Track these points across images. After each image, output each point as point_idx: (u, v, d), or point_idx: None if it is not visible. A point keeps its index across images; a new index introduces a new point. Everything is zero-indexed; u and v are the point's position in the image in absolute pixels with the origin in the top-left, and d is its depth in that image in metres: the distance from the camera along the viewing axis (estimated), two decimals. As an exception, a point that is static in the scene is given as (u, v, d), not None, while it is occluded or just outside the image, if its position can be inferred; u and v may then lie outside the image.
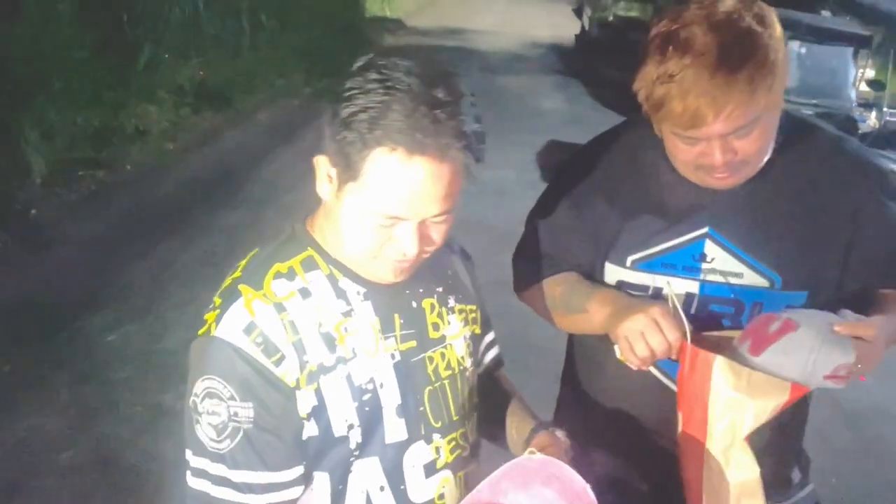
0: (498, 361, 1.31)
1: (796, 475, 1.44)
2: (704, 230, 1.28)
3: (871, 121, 5.76)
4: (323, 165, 1.00)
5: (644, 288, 1.31)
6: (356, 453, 1.04)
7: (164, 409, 2.93)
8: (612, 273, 1.34)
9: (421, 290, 1.12)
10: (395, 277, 1.04)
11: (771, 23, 1.15)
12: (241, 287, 1.01)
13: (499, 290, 4.49)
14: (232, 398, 0.96)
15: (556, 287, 1.37)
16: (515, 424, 1.23)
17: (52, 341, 3.34)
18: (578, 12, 12.28)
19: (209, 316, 1.01)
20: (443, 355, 1.13)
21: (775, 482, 1.39)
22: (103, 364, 3.22)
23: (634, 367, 1.19)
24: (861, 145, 1.36)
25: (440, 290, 1.15)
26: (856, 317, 1.15)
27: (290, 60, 8.56)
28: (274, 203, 4.86)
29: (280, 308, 0.99)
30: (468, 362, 1.17)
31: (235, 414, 0.97)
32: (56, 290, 3.78)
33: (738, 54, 1.10)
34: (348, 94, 0.94)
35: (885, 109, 5.78)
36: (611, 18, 10.64)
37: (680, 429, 1.18)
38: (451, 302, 1.17)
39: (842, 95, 5.54)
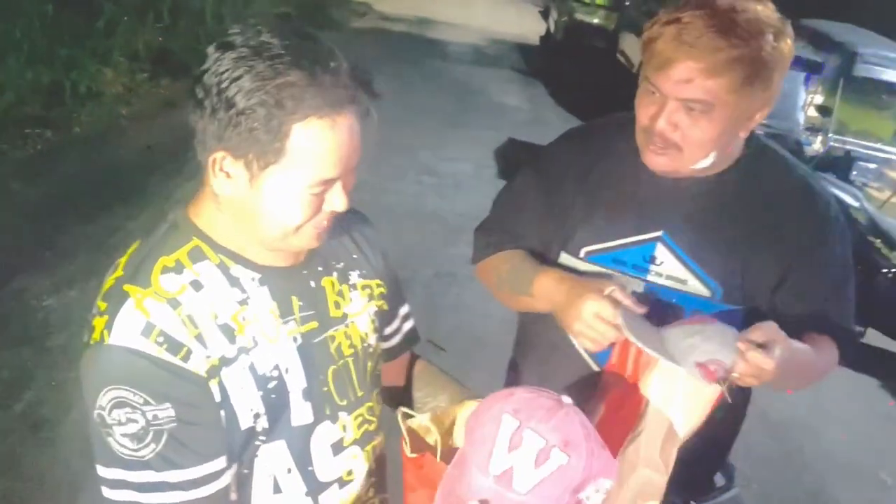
0: (413, 336, 1.33)
1: (720, 479, 1.51)
2: (659, 233, 1.32)
3: (817, 145, 5.95)
4: (221, 163, 0.94)
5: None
6: (262, 438, 1.03)
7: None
8: (566, 262, 1.37)
9: (320, 269, 1.10)
10: (317, 243, 1.02)
11: (785, 49, 1.18)
12: (126, 287, 0.95)
13: (448, 283, 4.56)
14: (146, 403, 0.92)
15: (504, 264, 1.41)
16: (429, 384, 1.27)
17: (-11, 302, 3.25)
18: (545, 14, 12.35)
19: (97, 322, 0.95)
20: (346, 334, 1.12)
21: (700, 484, 1.46)
22: (39, 328, 3.14)
23: (592, 350, 1.25)
24: (813, 175, 1.40)
25: (341, 266, 1.14)
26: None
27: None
28: (227, 178, 4.78)
29: (174, 303, 0.95)
30: (372, 339, 1.17)
31: (155, 417, 0.93)
32: (-5, 250, 3.67)
33: (741, 34, 1.14)
34: (227, 80, 0.89)
35: (830, 135, 5.99)
36: (576, 18, 10.73)
37: (598, 419, 1.21)
38: (354, 278, 1.15)
39: (791, 118, 5.71)
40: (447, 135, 6.60)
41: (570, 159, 1.40)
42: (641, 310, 1.16)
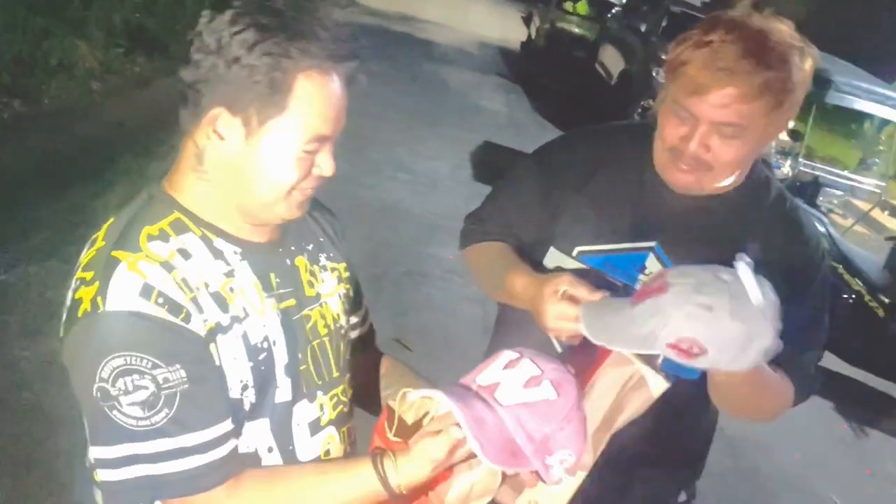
0: (372, 329, 1.34)
1: (682, 496, 1.53)
2: (652, 244, 1.33)
3: (786, 168, 6.08)
4: (215, 122, 0.94)
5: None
6: (248, 414, 1.01)
7: (57, 358, 2.79)
8: (554, 259, 1.37)
9: (293, 248, 1.10)
10: (299, 213, 1.02)
11: (809, 68, 1.19)
12: (115, 253, 0.92)
13: (419, 282, 4.53)
14: (156, 366, 0.89)
15: (482, 257, 1.42)
16: (399, 383, 1.23)
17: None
18: (527, 20, 12.39)
19: (84, 293, 0.91)
20: (321, 313, 1.12)
21: (663, 498, 1.48)
22: (-2, 303, 3.06)
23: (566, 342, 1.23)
24: (805, 210, 1.42)
25: (310, 247, 1.14)
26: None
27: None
28: (200, 161, 4.70)
29: (168, 266, 0.93)
30: (343, 320, 1.18)
31: (165, 380, 0.90)
32: (-46, 221, 3.56)
33: (774, 59, 1.15)
34: (228, 35, 0.90)
35: (800, 159, 6.12)
36: (558, 26, 10.79)
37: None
38: (323, 260, 1.16)
39: (763, 141, 5.81)
40: (425, 133, 6.57)
41: (575, 159, 1.40)
42: (598, 295, 1.14)
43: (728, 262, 1.30)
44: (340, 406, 1.15)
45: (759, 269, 1.28)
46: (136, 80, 6.02)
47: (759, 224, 1.33)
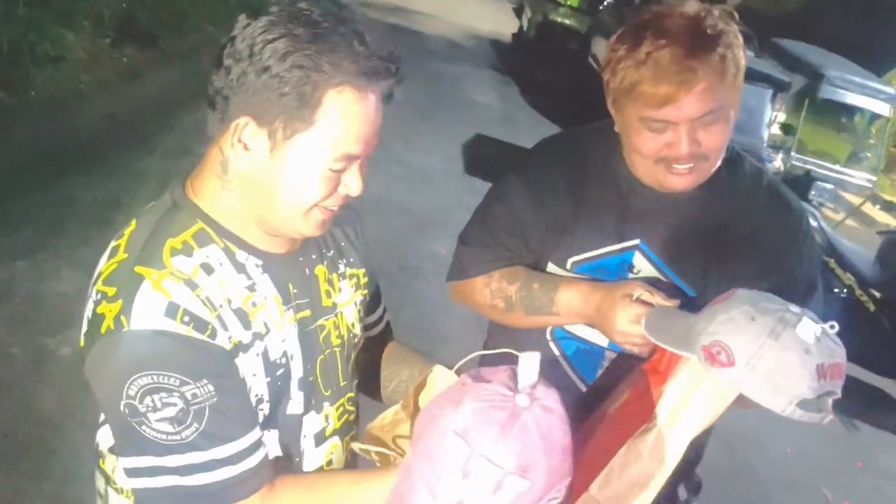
0: (389, 326, 1.32)
1: (683, 493, 1.53)
2: (636, 242, 1.33)
3: (777, 162, 6.08)
4: (241, 132, 0.91)
5: None
6: (261, 426, 1.00)
7: (46, 353, 2.77)
8: (553, 273, 1.37)
9: (313, 257, 1.09)
10: (320, 231, 1.00)
11: (734, 25, 1.21)
12: (139, 270, 0.90)
13: (410, 277, 4.51)
14: (184, 384, 0.88)
15: (510, 285, 1.37)
16: (395, 363, 1.24)
17: (-71, 267, 3.11)
18: (518, 12, 12.34)
19: (106, 309, 0.89)
20: (335, 324, 1.11)
21: (665, 496, 1.47)
22: (-16, 298, 3.02)
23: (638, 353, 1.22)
24: (783, 183, 1.42)
25: (331, 254, 1.13)
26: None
27: (224, 8, 8.22)
28: (191, 154, 4.62)
29: (192, 284, 0.91)
30: (357, 328, 1.16)
31: (194, 396, 0.89)
32: (-61, 213, 3.52)
33: (710, 38, 1.17)
34: (261, 43, 0.87)
35: (792, 153, 6.12)
36: (549, 18, 10.75)
37: (620, 403, 1.19)
38: (342, 267, 1.14)
39: (755, 134, 5.81)
40: (417, 127, 6.54)
41: (558, 171, 1.39)
42: (672, 303, 1.17)
43: (712, 247, 1.29)
44: (346, 415, 1.15)
45: (748, 247, 1.29)
46: (126, 71, 5.96)
47: (738, 203, 1.33)
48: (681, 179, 1.25)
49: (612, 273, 1.34)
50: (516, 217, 1.39)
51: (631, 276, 1.33)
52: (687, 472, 1.52)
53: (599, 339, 1.35)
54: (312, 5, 0.90)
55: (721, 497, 3.13)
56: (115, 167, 4.29)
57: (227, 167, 0.94)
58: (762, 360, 0.96)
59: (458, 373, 1.00)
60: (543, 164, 1.42)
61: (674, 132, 1.20)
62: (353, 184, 0.96)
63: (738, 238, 1.32)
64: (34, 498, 2.24)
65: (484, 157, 6.06)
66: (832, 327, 0.99)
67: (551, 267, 1.37)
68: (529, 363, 0.89)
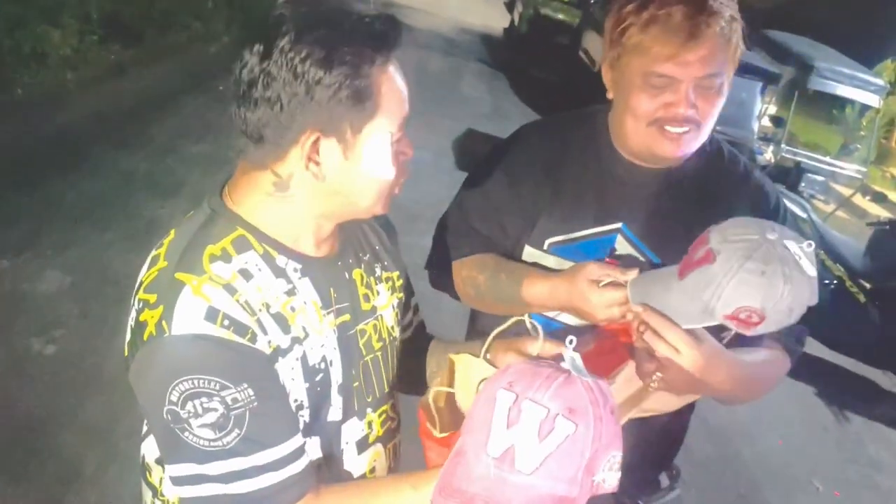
0: (422, 325, 1.31)
1: (664, 480, 1.53)
2: (618, 225, 1.32)
3: (768, 154, 6.08)
4: (311, 151, 0.91)
5: (555, 272, 1.33)
6: (302, 433, 0.99)
7: (30, 354, 2.75)
8: (530, 255, 1.36)
9: (351, 261, 1.08)
10: (388, 206, 1.01)
11: (735, 4, 1.23)
12: (179, 276, 0.90)
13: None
14: (224, 388, 0.88)
15: (479, 274, 1.37)
16: (440, 352, 1.22)
17: (-90, 268, 3.08)
18: (510, 6, 12.32)
19: (148, 316, 0.90)
20: (375, 327, 1.10)
21: (644, 484, 1.48)
22: (-33, 299, 3.00)
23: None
24: (765, 175, 1.43)
25: (367, 258, 1.12)
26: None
27: (211, 4, 8.17)
28: (178, 152, 4.63)
29: (231, 289, 0.91)
30: (397, 331, 1.16)
31: (234, 400, 0.88)
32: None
33: (718, 5, 1.19)
34: (298, 61, 0.86)
35: (782, 145, 6.12)
36: (540, 12, 10.72)
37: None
38: (378, 270, 1.14)
39: (745, 126, 5.81)
40: (407, 122, 6.53)
41: (534, 154, 1.38)
42: (632, 272, 1.16)
43: (693, 231, 1.30)
44: (389, 422, 1.14)
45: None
46: (112, 69, 5.92)
47: (719, 189, 1.33)
48: (672, 145, 1.24)
49: (591, 256, 1.32)
50: (491, 202, 1.38)
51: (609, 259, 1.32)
52: (666, 461, 1.52)
53: (575, 321, 1.34)
54: (303, 8, 0.90)
55: (711, 489, 3.14)
56: (100, 165, 4.26)
57: (289, 185, 0.94)
58: (783, 302, 1.02)
59: (485, 355, 1.02)
60: (520, 147, 1.41)
61: (674, 92, 1.20)
62: (407, 147, 0.98)
63: (717, 221, 1.32)
64: (16, 499, 2.22)
65: (474, 151, 6.04)
66: (809, 245, 1.05)
67: (528, 250, 1.36)
68: (574, 358, 0.90)
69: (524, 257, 1.36)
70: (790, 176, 5.87)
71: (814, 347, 4.16)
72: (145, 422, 1.02)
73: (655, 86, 1.21)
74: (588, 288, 1.18)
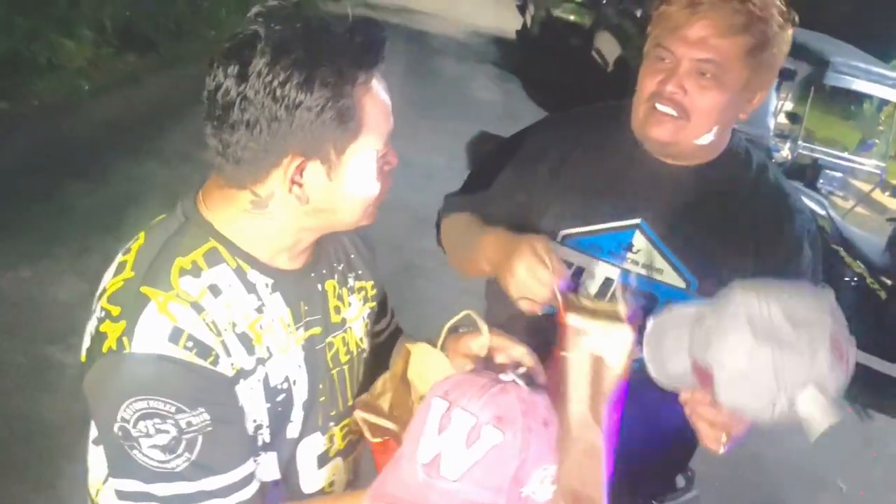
0: (397, 331, 1.29)
1: (681, 481, 1.52)
2: (637, 221, 1.31)
3: (785, 151, 6.02)
4: (294, 174, 0.89)
5: (567, 264, 1.32)
6: (260, 453, 0.98)
7: (50, 362, 2.77)
8: None
9: (324, 271, 1.06)
10: (374, 217, 0.99)
11: (787, 36, 1.22)
12: (145, 290, 0.88)
13: (413, 276, 4.49)
14: (180, 411, 0.86)
15: (457, 226, 1.38)
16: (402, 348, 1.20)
17: (-69, 277, 3.11)
18: (522, 8, 12.30)
19: (109, 329, 0.87)
20: (343, 340, 1.08)
21: (662, 486, 1.47)
22: (-14, 308, 3.02)
23: (529, 311, 1.14)
24: (787, 180, 1.41)
25: (341, 267, 1.10)
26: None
27: (225, 14, 8.23)
28: (191, 159, 4.64)
29: (198, 308, 0.89)
30: (366, 343, 1.14)
31: (189, 424, 0.86)
32: (-59, 223, 3.52)
33: (756, 4, 1.18)
34: (277, 85, 0.83)
35: (799, 142, 6.06)
36: (552, 14, 10.70)
37: None
38: (351, 281, 1.11)
39: (761, 124, 5.75)
40: (420, 125, 6.52)
41: (548, 142, 1.38)
42: (564, 272, 1.10)
43: (713, 234, 1.28)
44: (351, 435, 1.12)
45: (749, 241, 1.26)
46: (126, 77, 5.97)
47: (743, 194, 1.32)
48: (659, 128, 1.24)
49: (607, 251, 1.31)
50: (493, 180, 1.38)
51: (629, 255, 1.31)
52: (682, 462, 1.50)
53: None
54: (278, 23, 0.86)
55: (733, 489, 3.10)
56: (115, 173, 4.30)
57: (268, 204, 0.92)
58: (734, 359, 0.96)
59: (441, 346, 1.00)
60: (535, 135, 1.41)
61: (670, 70, 1.21)
62: (392, 157, 0.96)
63: (739, 227, 1.31)
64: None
65: (486, 154, 6.02)
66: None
67: None
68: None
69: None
70: (808, 173, 5.81)
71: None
72: (93, 429, 0.99)
73: (658, 58, 1.22)
74: (525, 249, 1.11)
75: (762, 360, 0.92)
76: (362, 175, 0.92)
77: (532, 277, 1.09)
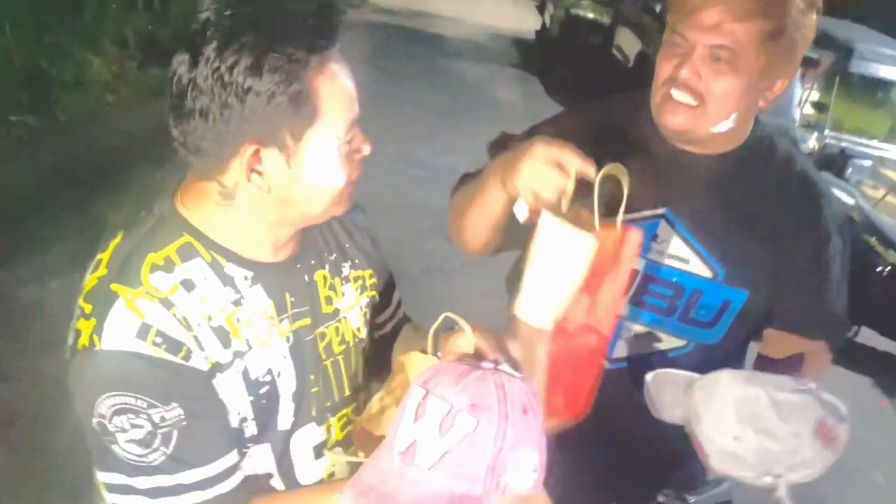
0: (406, 317, 1.28)
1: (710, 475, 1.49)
2: (661, 211, 1.29)
3: (812, 142, 5.94)
4: (251, 163, 0.88)
5: None
6: (249, 445, 0.98)
7: (78, 370, 2.80)
8: None
9: (313, 262, 1.05)
10: (350, 203, 0.98)
11: (810, 22, 1.19)
12: (114, 287, 0.89)
13: (437, 278, 4.49)
14: (152, 406, 0.87)
15: (461, 190, 1.33)
16: (404, 339, 1.20)
17: (-37, 291, 3.18)
18: (540, 9, 12.28)
19: (82, 326, 0.89)
20: (336, 329, 1.07)
21: (693, 479, 1.45)
22: (17, 320, 3.07)
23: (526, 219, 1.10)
24: (814, 168, 1.39)
25: (333, 258, 1.09)
26: None
27: (245, 24, 8.32)
28: (215, 168, 4.71)
29: (168, 304, 0.89)
30: (363, 333, 1.13)
31: (162, 419, 0.87)
32: (-28, 237, 3.59)
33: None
34: (226, 71, 0.82)
35: (825, 132, 5.96)
36: (571, 13, 10.66)
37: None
38: (346, 270, 1.10)
39: (787, 114, 5.68)
40: (440, 128, 6.53)
41: (567, 133, 1.35)
42: (589, 164, 1.03)
43: (738, 224, 1.26)
44: (350, 425, 1.12)
45: (775, 229, 1.24)
46: (150, 90, 6.05)
47: (769, 182, 1.30)
48: (673, 116, 1.22)
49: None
50: None
51: (655, 245, 1.30)
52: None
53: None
54: (227, 8, 0.86)
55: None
56: (139, 184, 4.35)
57: (234, 195, 0.91)
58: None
59: (436, 352, 0.99)
60: (555, 123, 1.39)
61: (685, 56, 1.19)
62: (363, 146, 0.95)
63: (764, 216, 1.29)
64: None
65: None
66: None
67: None
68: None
69: None
70: (836, 162, 5.72)
71: (869, 336, 4.03)
72: None
73: (673, 45, 1.20)
74: (540, 149, 1.04)
75: (747, 444, 0.96)
76: (323, 163, 0.90)
77: (543, 177, 1.03)
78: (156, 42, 6.67)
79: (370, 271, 1.15)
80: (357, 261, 1.13)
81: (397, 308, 1.27)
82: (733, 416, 0.96)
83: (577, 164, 1.02)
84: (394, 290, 1.25)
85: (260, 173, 0.89)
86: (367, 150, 0.95)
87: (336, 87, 0.89)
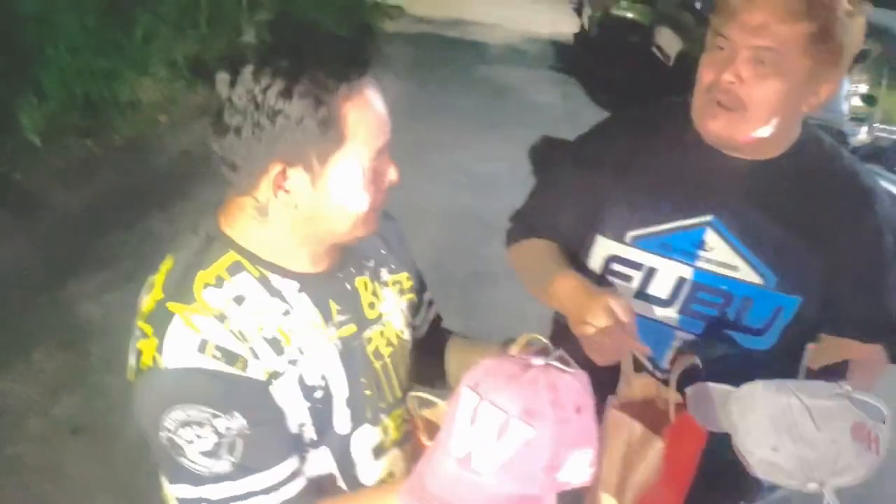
0: (437, 319, 1.31)
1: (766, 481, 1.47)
2: (708, 218, 1.28)
3: (862, 135, 5.79)
4: (278, 180, 0.92)
5: (637, 265, 1.32)
6: (308, 449, 1.02)
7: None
8: (604, 247, 1.34)
9: (353, 270, 1.09)
10: (376, 226, 1.01)
11: (857, 26, 1.17)
12: (170, 306, 0.93)
13: (480, 283, 4.50)
14: (216, 417, 0.91)
15: (528, 254, 1.40)
16: (461, 352, 1.23)
17: (31, 308, 3.31)
18: (578, 11, 12.22)
19: (144, 346, 0.93)
20: (381, 333, 1.11)
21: (750, 486, 1.43)
22: (81, 333, 3.19)
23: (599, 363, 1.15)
24: (865, 167, 1.36)
25: (371, 264, 1.13)
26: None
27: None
28: (263, 182, 4.81)
29: (222, 318, 0.93)
30: (406, 334, 1.16)
31: (228, 429, 0.92)
32: (37, 257, 3.73)
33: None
34: (260, 92, 0.86)
35: (875, 124, 5.81)
36: (610, 13, 10.58)
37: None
38: (384, 275, 1.14)
39: (834, 109, 5.54)
40: (482, 134, 6.55)
41: (610, 143, 1.37)
42: (636, 336, 1.10)
43: (786, 228, 1.25)
44: (405, 424, 1.15)
45: (826, 233, 1.24)
46: (199, 109, 6.22)
47: (817, 185, 1.27)
48: (715, 121, 1.21)
49: (679, 250, 1.29)
50: (563, 188, 1.39)
51: (702, 253, 1.29)
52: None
53: (666, 317, 1.32)
54: (270, 34, 0.90)
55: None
56: (192, 200, 4.48)
57: (267, 211, 0.96)
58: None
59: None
60: (596, 137, 1.41)
61: (728, 59, 1.17)
62: (391, 172, 0.98)
63: (815, 219, 1.27)
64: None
65: (550, 157, 6.01)
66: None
67: (602, 241, 1.34)
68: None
69: (597, 248, 1.35)
70: (886, 155, 5.56)
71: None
72: None
73: (716, 49, 1.19)
74: (599, 308, 1.10)
75: (786, 453, 0.97)
76: (349, 185, 0.94)
77: (606, 338, 1.10)
78: (203, 63, 6.85)
79: (406, 274, 1.19)
80: (393, 266, 1.17)
81: (428, 309, 1.30)
82: (770, 428, 0.97)
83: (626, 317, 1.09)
84: (424, 292, 1.28)
85: (287, 191, 0.93)
86: (393, 175, 0.99)
87: (365, 114, 0.92)
